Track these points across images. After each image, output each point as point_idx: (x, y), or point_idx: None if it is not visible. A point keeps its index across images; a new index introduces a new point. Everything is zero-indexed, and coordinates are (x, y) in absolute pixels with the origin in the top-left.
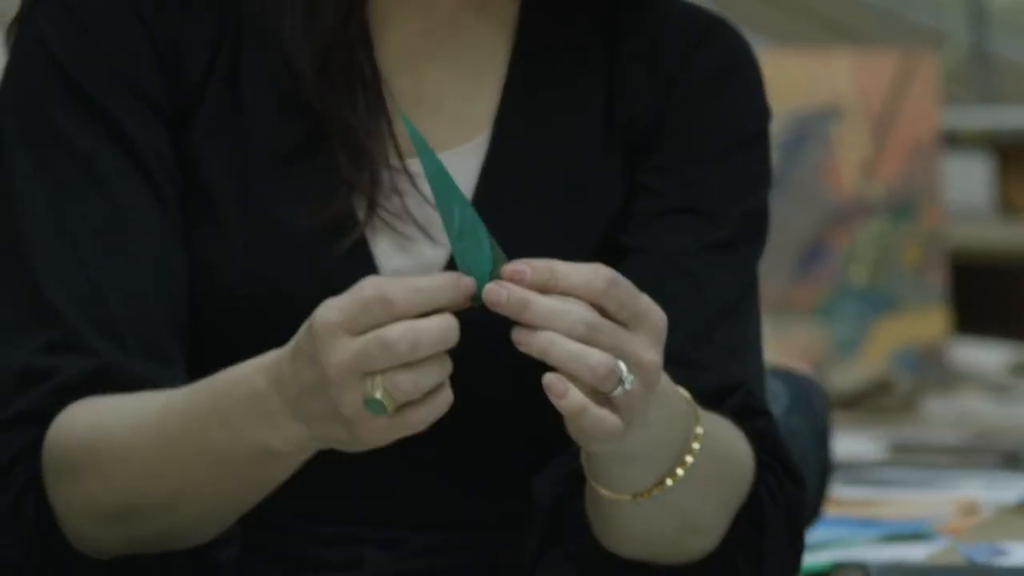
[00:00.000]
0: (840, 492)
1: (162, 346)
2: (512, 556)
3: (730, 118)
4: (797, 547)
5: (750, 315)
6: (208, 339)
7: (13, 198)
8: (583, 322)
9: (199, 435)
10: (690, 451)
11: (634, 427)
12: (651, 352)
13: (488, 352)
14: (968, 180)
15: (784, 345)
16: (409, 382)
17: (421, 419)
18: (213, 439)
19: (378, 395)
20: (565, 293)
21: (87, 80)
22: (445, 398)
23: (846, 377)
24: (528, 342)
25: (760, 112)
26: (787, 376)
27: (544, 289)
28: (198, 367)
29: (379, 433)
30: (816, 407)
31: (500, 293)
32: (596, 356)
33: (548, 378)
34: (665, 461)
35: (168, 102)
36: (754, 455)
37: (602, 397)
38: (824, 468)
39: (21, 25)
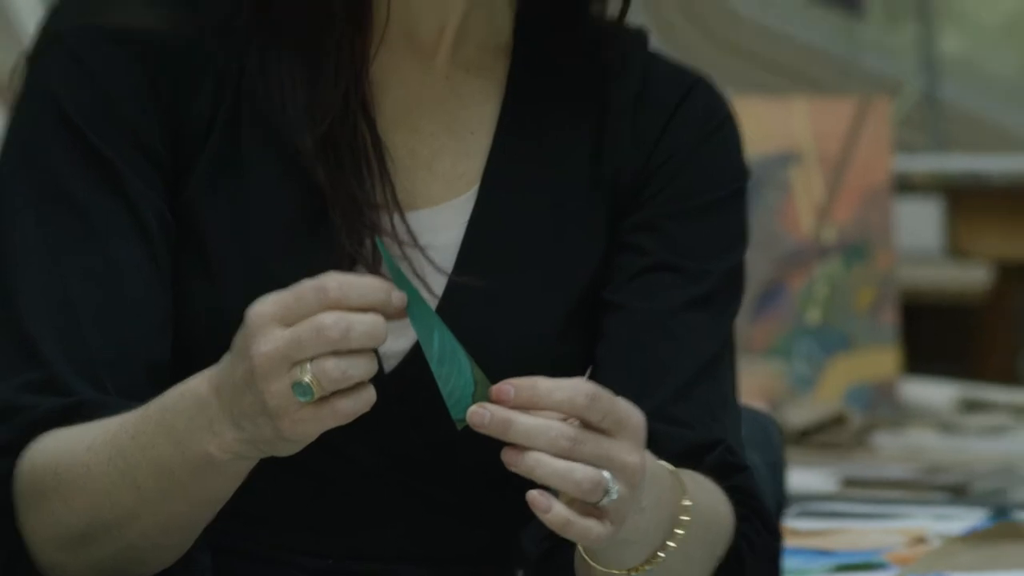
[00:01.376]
0: (794, 523)
1: (138, 388)
2: None
3: (711, 177)
4: (777, 567)
5: (728, 371)
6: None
7: (7, 239)
8: (565, 438)
9: (149, 449)
10: (680, 524)
11: (622, 511)
12: (634, 455)
13: None
14: (919, 223)
15: (742, 383)
16: (338, 369)
17: (347, 409)
18: (160, 452)
19: (307, 379)
20: (549, 409)
21: (90, 130)
22: (370, 395)
23: (801, 413)
24: (516, 463)
25: (739, 171)
26: (744, 412)
27: (528, 406)
28: None
29: (304, 425)
30: (772, 442)
31: (484, 415)
32: (581, 472)
33: (531, 495)
34: (657, 538)
35: (169, 157)
36: (733, 509)
37: (591, 506)
38: (779, 500)
39: (31, 68)
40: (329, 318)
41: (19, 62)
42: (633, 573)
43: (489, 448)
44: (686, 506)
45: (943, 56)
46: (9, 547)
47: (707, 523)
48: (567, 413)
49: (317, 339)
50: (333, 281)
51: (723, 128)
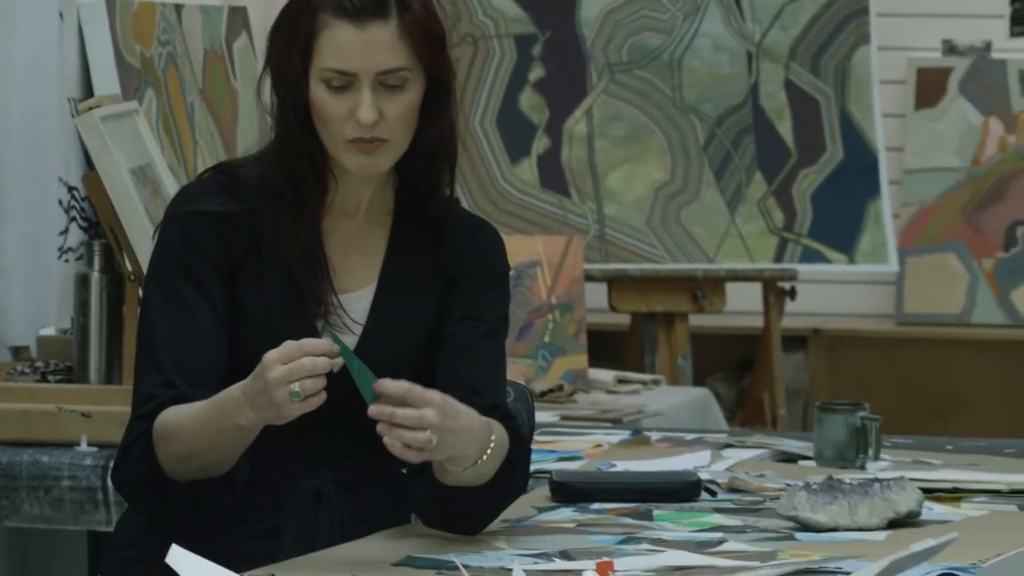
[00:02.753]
0: (538, 438)
1: (210, 386)
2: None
3: (491, 271)
4: (527, 476)
5: (499, 365)
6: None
7: (148, 310)
8: (411, 419)
9: (212, 419)
10: (488, 447)
11: (443, 448)
12: (436, 420)
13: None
14: (597, 295)
15: (514, 371)
16: (312, 384)
17: (315, 403)
18: (216, 422)
19: (296, 388)
20: (417, 400)
21: (189, 261)
22: (323, 396)
23: (540, 385)
24: (384, 432)
25: (505, 267)
26: (514, 384)
27: (403, 400)
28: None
29: (293, 411)
30: (528, 399)
31: (382, 409)
32: (412, 436)
33: (386, 441)
34: (477, 455)
35: (227, 274)
36: (509, 435)
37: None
38: (531, 427)
39: (161, 230)
40: (306, 361)
41: (156, 229)
42: (465, 469)
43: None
44: (492, 439)
45: (606, 216)
46: (151, 464)
47: (500, 446)
48: (413, 402)
49: (300, 370)
50: (307, 342)
51: (496, 245)
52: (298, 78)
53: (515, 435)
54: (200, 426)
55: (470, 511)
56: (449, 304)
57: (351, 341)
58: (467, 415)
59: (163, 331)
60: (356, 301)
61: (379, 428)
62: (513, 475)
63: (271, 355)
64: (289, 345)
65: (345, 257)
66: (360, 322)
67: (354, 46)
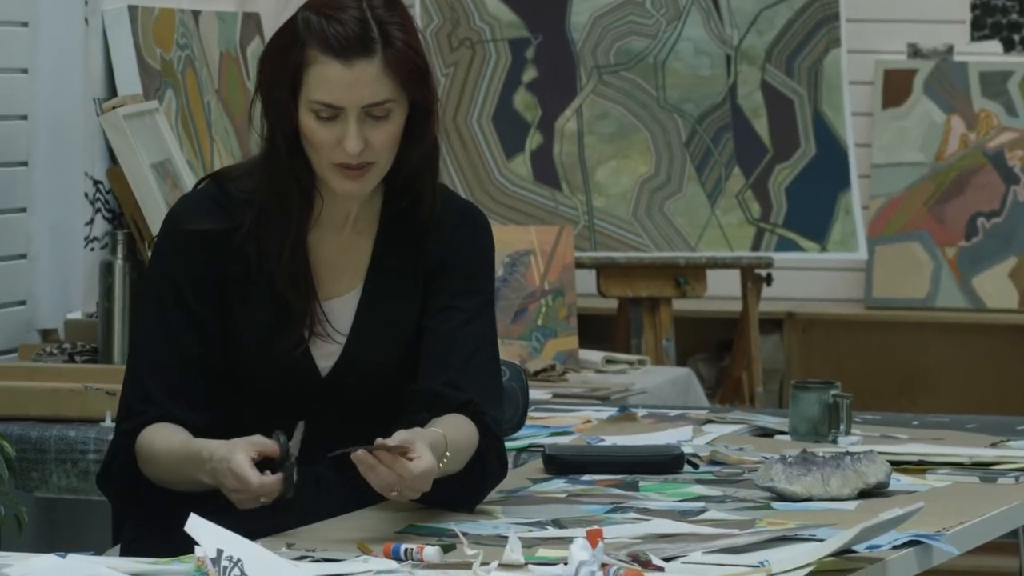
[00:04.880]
0: (531, 414)
1: (196, 401)
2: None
3: (473, 259)
4: (503, 463)
5: (479, 353)
6: (243, 389)
7: (139, 327)
8: (390, 481)
9: (180, 462)
10: (446, 456)
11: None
12: (414, 471)
13: (365, 375)
14: (587, 282)
15: (508, 351)
16: (253, 502)
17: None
18: (184, 468)
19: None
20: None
21: (179, 280)
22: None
23: (534, 364)
24: (361, 465)
25: (491, 254)
26: (509, 364)
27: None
28: (237, 402)
29: (243, 505)
30: (522, 378)
31: (366, 458)
32: (387, 485)
33: (356, 458)
34: (437, 458)
35: (216, 289)
36: (479, 431)
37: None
38: (525, 405)
39: (155, 246)
40: (245, 495)
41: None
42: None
43: (365, 410)
44: (448, 453)
45: (595, 207)
46: (132, 478)
47: (464, 448)
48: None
49: (250, 501)
50: (262, 483)
51: (482, 232)
52: (287, 106)
53: (485, 429)
54: (170, 463)
55: (452, 497)
56: (430, 296)
57: (335, 349)
58: (427, 462)
59: (148, 346)
60: (342, 306)
61: (359, 463)
62: (484, 464)
63: (236, 470)
64: (248, 481)
65: (332, 267)
66: (345, 327)
67: (341, 82)
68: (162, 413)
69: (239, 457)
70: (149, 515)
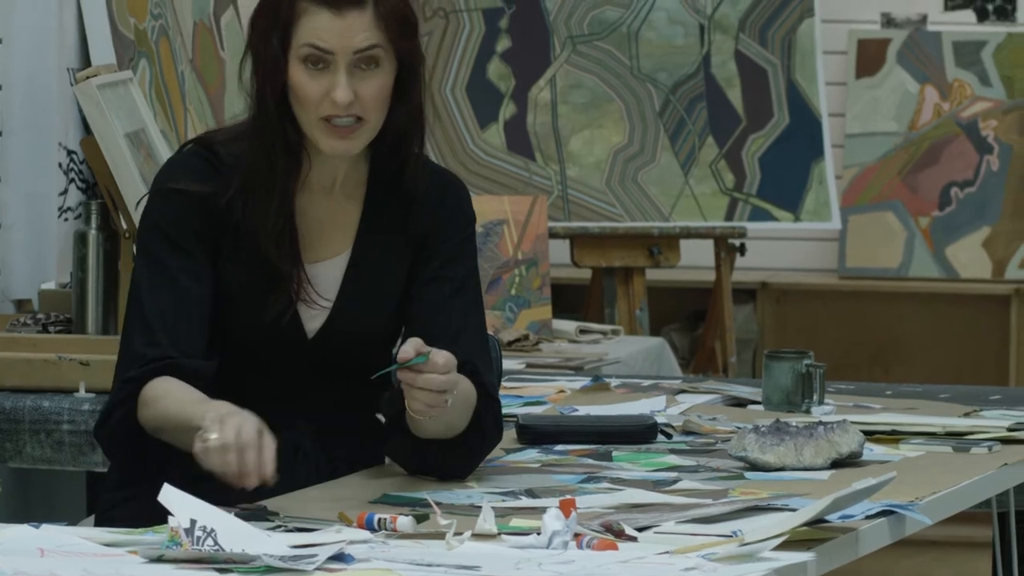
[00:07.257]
0: (506, 384)
1: (197, 349)
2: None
3: (459, 228)
4: (499, 426)
5: (477, 321)
6: (230, 348)
7: (138, 278)
8: (438, 384)
9: (178, 422)
10: (453, 392)
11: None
12: (449, 383)
13: (357, 340)
14: (560, 251)
15: None
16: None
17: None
18: (181, 427)
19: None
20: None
21: (172, 233)
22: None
23: (508, 335)
24: (410, 390)
25: (471, 218)
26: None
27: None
28: (225, 357)
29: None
30: (497, 348)
31: (411, 373)
32: (438, 400)
33: (409, 402)
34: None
35: (208, 245)
36: (476, 391)
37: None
38: (499, 374)
39: (147, 204)
40: (243, 463)
41: (143, 202)
42: (430, 417)
43: (356, 367)
44: (454, 392)
45: (568, 177)
46: (132, 427)
47: (465, 399)
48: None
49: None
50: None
51: (464, 202)
52: (277, 61)
53: (483, 391)
54: (167, 423)
55: (445, 462)
56: (418, 267)
57: (322, 312)
58: (445, 353)
59: (150, 297)
60: (329, 269)
61: (403, 381)
62: (482, 426)
63: (255, 424)
64: (260, 437)
65: (319, 230)
66: (332, 291)
67: (332, 29)
68: (170, 363)
69: (257, 421)
70: (136, 473)
